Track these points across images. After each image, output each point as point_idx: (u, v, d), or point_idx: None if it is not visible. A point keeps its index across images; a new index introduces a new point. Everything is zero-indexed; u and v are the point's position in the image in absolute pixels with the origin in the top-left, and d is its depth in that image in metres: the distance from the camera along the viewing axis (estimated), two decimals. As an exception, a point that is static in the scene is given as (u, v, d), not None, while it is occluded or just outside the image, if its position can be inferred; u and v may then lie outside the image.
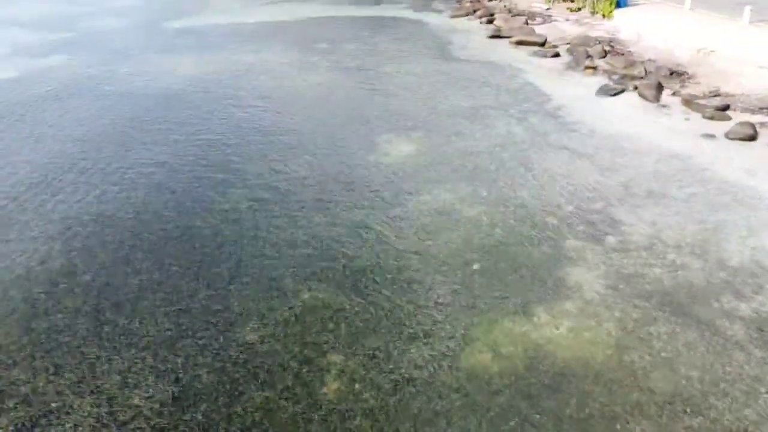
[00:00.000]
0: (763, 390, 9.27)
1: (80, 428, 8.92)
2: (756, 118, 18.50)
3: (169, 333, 10.77)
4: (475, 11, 35.74)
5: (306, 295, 11.57)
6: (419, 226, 13.74)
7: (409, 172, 16.32)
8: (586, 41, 27.60)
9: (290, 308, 11.24)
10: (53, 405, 9.31)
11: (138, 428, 8.90)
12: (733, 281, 11.56)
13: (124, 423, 9.00)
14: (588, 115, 19.77)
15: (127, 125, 20.09)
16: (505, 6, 36.45)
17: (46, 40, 32.37)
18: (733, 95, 20.20)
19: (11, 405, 9.34)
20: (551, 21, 32.75)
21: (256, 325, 10.86)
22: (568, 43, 28.05)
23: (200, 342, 10.54)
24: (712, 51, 22.68)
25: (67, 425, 8.97)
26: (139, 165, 17.17)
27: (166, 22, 36.18)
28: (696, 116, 19.27)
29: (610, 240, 12.99)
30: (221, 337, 10.65)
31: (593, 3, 31.92)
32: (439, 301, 11.31)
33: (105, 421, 9.03)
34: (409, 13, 36.86)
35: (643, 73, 23.10)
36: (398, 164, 16.78)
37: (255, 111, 21.04)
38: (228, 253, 12.96)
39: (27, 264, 12.68)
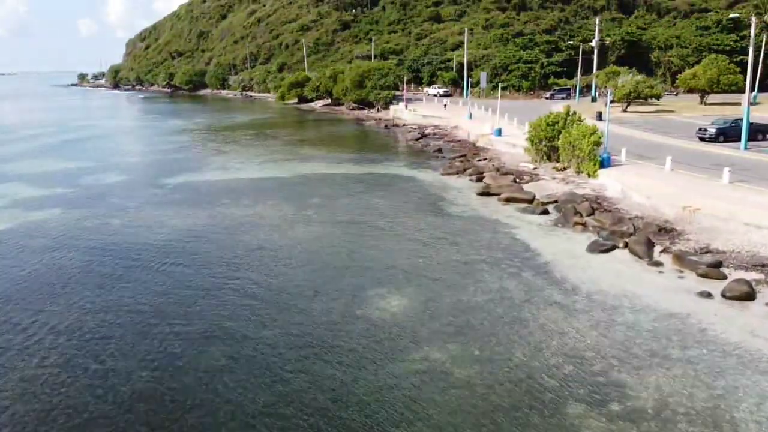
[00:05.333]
0: None
1: None
2: (751, 276, 18.26)
3: None
4: (465, 170, 37.25)
5: (281, 471, 10.38)
6: (409, 389, 12.81)
7: (399, 328, 15.64)
8: (573, 198, 28.32)
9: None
10: None
11: None
12: (753, 457, 10.48)
13: None
14: (580, 271, 19.54)
15: (107, 279, 19.69)
16: (493, 165, 38.08)
17: (45, 195, 33.14)
18: (723, 252, 20.18)
19: None
20: (538, 179, 33.97)
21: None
22: (555, 201, 28.77)
23: None
24: (697, 209, 23.13)
25: None
26: (115, 317, 16.50)
27: (165, 179, 37.43)
28: (689, 273, 19.04)
29: (615, 406, 12.04)
30: None
31: (578, 163, 33.33)
32: (430, 478, 10.13)
33: None
34: (404, 171, 38.36)
35: (631, 230, 23.33)
36: (388, 320, 16.14)
37: (244, 263, 20.79)
38: (196, 420, 11.88)
39: (-23, 430, 11.57)
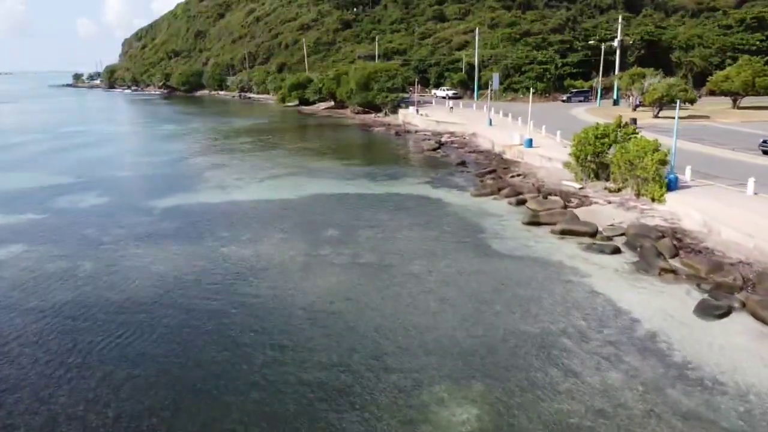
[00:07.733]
0: None
1: None
2: None
3: None
4: (500, 189, 32.07)
5: None
6: None
7: (478, 467, 10.57)
8: (645, 231, 23.21)
9: None
10: None
11: None
12: None
13: None
14: (703, 352, 14.47)
15: (70, 355, 14.59)
16: (533, 184, 32.93)
17: (8, 224, 27.85)
18: None
19: None
20: (590, 203, 28.86)
21: None
22: (623, 233, 23.70)
23: None
24: (825, 255, 18.19)
25: None
26: (67, 420, 11.43)
27: (152, 201, 32.08)
28: None
29: None
30: None
31: (638, 184, 28.25)
32: None
33: None
34: (428, 190, 33.15)
35: (740, 281, 18.29)
36: (458, 450, 11.07)
37: (244, 341, 15.55)
38: None
39: None
